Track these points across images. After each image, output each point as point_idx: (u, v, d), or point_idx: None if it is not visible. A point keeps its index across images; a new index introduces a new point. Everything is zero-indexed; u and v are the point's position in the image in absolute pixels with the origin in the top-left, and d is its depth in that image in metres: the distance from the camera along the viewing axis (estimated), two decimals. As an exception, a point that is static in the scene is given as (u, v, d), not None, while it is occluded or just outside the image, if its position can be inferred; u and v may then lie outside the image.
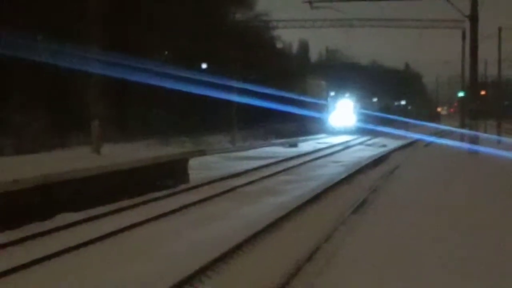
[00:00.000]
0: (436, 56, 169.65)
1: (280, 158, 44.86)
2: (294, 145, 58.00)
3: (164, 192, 26.59)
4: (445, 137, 72.89)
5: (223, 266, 15.41)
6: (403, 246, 15.62)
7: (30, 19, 37.64)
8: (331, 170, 38.17)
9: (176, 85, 48.61)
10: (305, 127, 76.76)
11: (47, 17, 38.71)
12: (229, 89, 55.84)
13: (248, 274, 14.76)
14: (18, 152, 31.27)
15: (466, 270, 13.08)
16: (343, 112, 66.13)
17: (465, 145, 41.32)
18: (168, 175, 28.74)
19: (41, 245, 16.91)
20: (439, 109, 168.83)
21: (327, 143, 63.17)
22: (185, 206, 23.57)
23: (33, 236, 17.78)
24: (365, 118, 70.92)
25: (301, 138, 67.07)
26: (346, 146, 58.62)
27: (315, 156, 48.81)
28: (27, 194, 19.40)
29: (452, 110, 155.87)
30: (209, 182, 30.35)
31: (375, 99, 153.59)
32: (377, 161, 42.25)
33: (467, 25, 39.16)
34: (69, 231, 18.94)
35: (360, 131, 67.04)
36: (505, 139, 56.76)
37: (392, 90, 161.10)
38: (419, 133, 76.76)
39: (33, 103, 33.94)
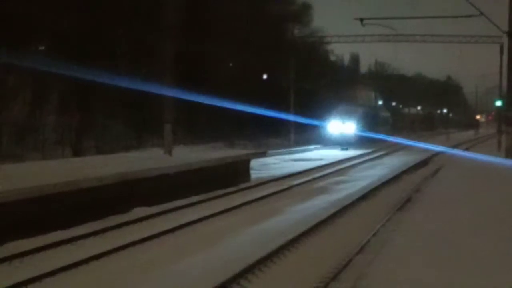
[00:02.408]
0: (476, 68, 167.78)
1: (331, 160, 44.25)
2: (345, 148, 57.84)
3: (229, 190, 26.73)
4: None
5: (287, 253, 15.70)
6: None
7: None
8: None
9: (241, 93, 49.22)
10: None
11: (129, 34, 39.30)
12: (287, 97, 56.78)
13: (310, 259, 15.14)
14: (100, 153, 31.65)
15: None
16: (342, 121, 58.57)
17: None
18: (232, 174, 28.89)
19: (120, 235, 17.20)
20: (478, 117, 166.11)
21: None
22: (248, 202, 23.66)
23: (113, 227, 18.06)
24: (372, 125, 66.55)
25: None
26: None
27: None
28: (108, 190, 19.72)
29: (490, 118, 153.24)
30: (269, 181, 30.49)
31: (419, 107, 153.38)
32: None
33: (505, 40, 38.44)
34: (144, 223, 19.22)
35: (364, 142, 58.96)
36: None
37: (435, 99, 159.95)
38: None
39: (113, 111, 34.35)
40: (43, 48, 37.87)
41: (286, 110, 57.77)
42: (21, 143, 31.67)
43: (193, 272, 13.66)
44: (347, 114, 58.42)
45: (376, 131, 65.29)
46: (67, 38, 36.65)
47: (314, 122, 59.08)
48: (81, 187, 18.45)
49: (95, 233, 17.19)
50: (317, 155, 51.23)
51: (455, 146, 68.57)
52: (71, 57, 36.07)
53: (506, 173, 29.20)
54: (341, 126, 57.25)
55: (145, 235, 17.13)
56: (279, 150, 51.59)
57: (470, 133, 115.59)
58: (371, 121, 65.69)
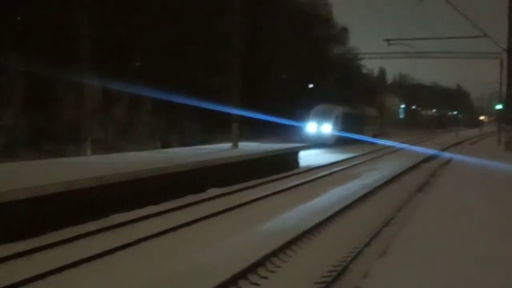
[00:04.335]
0: (481, 77, 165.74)
1: (361, 153, 43.73)
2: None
3: (283, 175, 26.87)
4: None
5: (334, 221, 16.17)
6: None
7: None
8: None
9: (294, 97, 49.97)
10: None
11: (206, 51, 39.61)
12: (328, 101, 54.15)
13: (353, 225, 15.73)
14: (182, 145, 31.94)
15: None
16: (320, 122, 48.44)
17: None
18: (285, 163, 29.02)
19: (199, 209, 17.38)
20: (482, 118, 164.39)
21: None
22: (297, 185, 23.85)
23: (193, 203, 18.35)
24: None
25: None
26: None
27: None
28: (189, 174, 20.02)
29: (491, 118, 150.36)
30: (313, 169, 30.51)
31: (434, 110, 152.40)
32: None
33: (504, 56, 37.96)
34: (217, 200, 19.38)
35: (341, 142, 47.65)
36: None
37: (447, 103, 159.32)
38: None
39: (193, 113, 34.72)
40: (138, 63, 38.46)
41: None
42: (122, 137, 32.20)
43: (256, 237, 13.93)
44: (324, 115, 48.68)
45: (360, 132, 53.72)
46: (156, 57, 37.18)
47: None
48: (168, 172, 18.81)
49: (180, 207, 17.50)
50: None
51: (461, 142, 68.01)
52: (160, 71, 36.75)
53: (505, 160, 28.84)
54: (318, 126, 48.17)
55: (220, 209, 17.40)
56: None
57: (475, 131, 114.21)
58: (353, 121, 52.76)
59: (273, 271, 11.17)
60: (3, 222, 12.37)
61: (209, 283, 9.58)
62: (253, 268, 10.87)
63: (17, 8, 27.93)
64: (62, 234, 13.21)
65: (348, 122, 50.06)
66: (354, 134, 47.63)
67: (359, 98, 71.13)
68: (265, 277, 10.80)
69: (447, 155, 43.17)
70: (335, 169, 30.83)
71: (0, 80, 26.65)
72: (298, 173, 28.54)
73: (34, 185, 13.31)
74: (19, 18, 28.91)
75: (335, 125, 48.04)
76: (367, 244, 13.18)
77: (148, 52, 37.28)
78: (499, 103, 57.36)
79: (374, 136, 59.70)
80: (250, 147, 28.63)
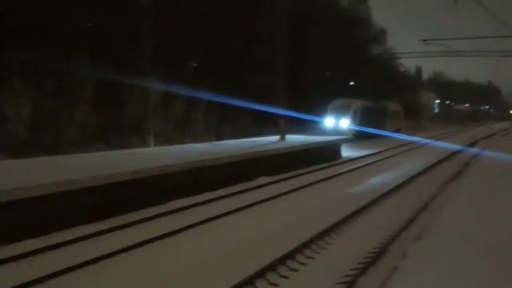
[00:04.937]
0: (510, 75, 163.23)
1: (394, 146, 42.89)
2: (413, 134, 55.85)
3: (326, 164, 26.85)
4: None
5: (378, 204, 16.10)
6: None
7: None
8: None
9: (336, 94, 49.18)
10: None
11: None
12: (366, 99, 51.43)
13: (394, 207, 15.56)
14: (233, 138, 32.12)
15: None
16: (338, 116, 43.12)
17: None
18: (329, 154, 29.01)
19: (251, 195, 17.46)
20: (511, 112, 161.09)
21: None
22: (339, 174, 23.87)
23: (245, 190, 18.46)
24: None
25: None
26: None
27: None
28: (240, 164, 20.21)
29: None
30: (355, 159, 30.38)
31: (467, 104, 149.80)
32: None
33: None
34: (267, 188, 19.40)
35: (360, 137, 40.90)
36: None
37: (479, 98, 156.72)
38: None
39: (244, 109, 34.80)
40: (195, 64, 38.81)
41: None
42: (181, 131, 32.56)
43: (306, 215, 13.93)
44: (342, 109, 43.27)
45: (381, 127, 48.04)
46: (209, 60, 37.52)
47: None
48: (222, 162, 19.04)
49: (233, 194, 17.61)
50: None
51: (493, 134, 66.97)
52: (212, 72, 37.14)
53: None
54: (335, 121, 42.97)
55: (270, 195, 17.46)
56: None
57: (506, 124, 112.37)
58: (373, 116, 46.79)
59: (322, 249, 11.32)
60: (79, 206, 12.82)
61: (263, 253, 9.86)
62: (295, 252, 10.84)
63: (88, 16, 28.47)
64: (128, 217, 13.53)
65: (367, 117, 44.31)
66: (374, 129, 41.92)
67: (397, 95, 70.58)
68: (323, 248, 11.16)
69: (480, 145, 42.78)
70: (374, 159, 30.63)
71: (73, 81, 27.23)
72: (342, 163, 28.47)
73: (104, 174, 13.74)
74: (90, 25, 29.45)
75: (353, 119, 42.80)
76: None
77: (202, 56, 37.66)
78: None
79: (397, 131, 53.70)
80: (296, 139, 28.66)
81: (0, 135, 23.06)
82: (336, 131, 40.12)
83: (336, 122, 42.65)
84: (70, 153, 21.15)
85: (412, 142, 44.10)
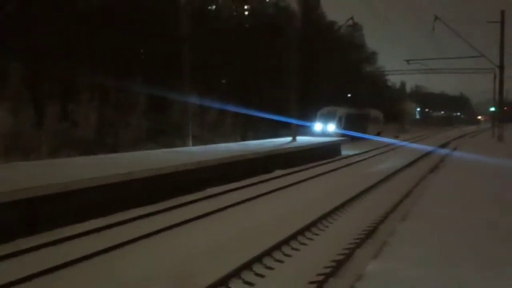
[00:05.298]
0: (479, 87, 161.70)
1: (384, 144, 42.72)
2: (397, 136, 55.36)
3: (328, 160, 26.73)
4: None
5: (370, 192, 15.64)
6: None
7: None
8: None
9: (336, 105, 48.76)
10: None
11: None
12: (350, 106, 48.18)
13: (385, 192, 15.05)
14: (254, 139, 32.19)
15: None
16: (325, 122, 39.92)
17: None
18: (331, 151, 28.94)
19: (269, 184, 17.48)
20: (479, 117, 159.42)
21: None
22: (340, 167, 23.75)
23: (264, 180, 18.46)
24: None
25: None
26: None
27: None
28: (261, 159, 20.23)
29: (486, 118, 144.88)
30: (352, 155, 30.13)
31: (442, 112, 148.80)
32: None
33: (497, 71, 36.80)
34: (282, 178, 19.34)
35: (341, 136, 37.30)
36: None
37: (452, 108, 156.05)
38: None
39: (263, 115, 34.91)
40: (224, 81, 39.02)
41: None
42: (213, 133, 32.77)
43: (314, 198, 13.87)
44: (328, 116, 40.31)
45: (364, 131, 44.96)
46: (236, 77, 37.72)
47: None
48: (246, 158, 19.07)
49: (255, 183, 17.63)
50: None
51: (464, 135, 66.37)
52: (238, 86, 37.30)
53: (497, 147, 27.98)
54: (323, 126, 39.89)
55: (288, 183, 17.56)
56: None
57: (474, 127, 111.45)
58: (357, 121, 43.76)
59: (330, 223, 11.33)
60: (136, 193, 12.99)
61: (272, 231, 9.91)
62: (313, 223, 10.96)
63: (140, 42, 28.79)
64: (174, 201, 13.61)
65: (351, 122, 41.27)
66: (357, 133, 38.82)
67: (385, 104, 70.22)
68: (331, 223, 10.98)
69: (453, 144, 42.49)
70: (366, 156, 30.50)
71: (129, 95, 27.59)
72: (342, 159, 28.36)
73: (153, 168, 13.89)
74: (142, 51, 29.80)
75: (338, 124, 39.68)
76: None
77: (231, 74, 37.87)
78: (492, 106, 56.01)
79: (378, 134, 50.37)
80: (305, 140, 28.58)
81: (72, 137, 23.43)
82: (324, 134, 38.10)
83: (324, 127, 39.65)
84: (127, 151, 21.45)
85: (395, 143, 43.63)
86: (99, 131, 25.50)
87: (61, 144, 21.75)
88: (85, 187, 11.28)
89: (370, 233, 10.45)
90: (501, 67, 34.39)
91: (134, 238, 9.79)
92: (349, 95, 58.08)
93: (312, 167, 23.51)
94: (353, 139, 39.33)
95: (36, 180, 10.74)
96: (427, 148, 36.67)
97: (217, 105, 33.85)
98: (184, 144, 25.50)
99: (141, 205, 12.81)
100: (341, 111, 41.16)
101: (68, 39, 23.17)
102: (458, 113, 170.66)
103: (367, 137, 44.29)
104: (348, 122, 40.69)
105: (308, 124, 38.85)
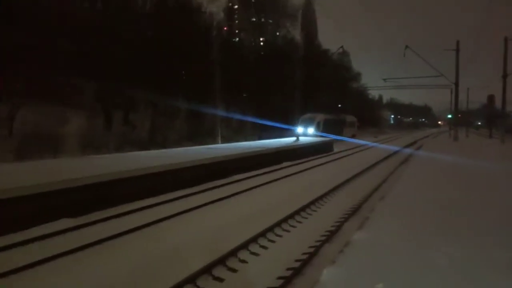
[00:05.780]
0: (439, 98, 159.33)
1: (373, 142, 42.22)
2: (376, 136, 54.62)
3: (323, 155, 26.33)
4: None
5: (355, 180, 15.22)
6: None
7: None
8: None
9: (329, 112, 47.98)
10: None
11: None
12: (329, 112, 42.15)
13: (367, 180, 14.72)
14: (268, 138, 32.04)
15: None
16: (306, 126, 35.43)
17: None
18: (326, 147, 28.54)
19: (280, 172, 17.16)
20: (439, 122, 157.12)
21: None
22: (331, 160, 23.43)
23: (275, 170, 18.15)
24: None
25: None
26: None
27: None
28: (272, 154, 20.01)
29: (444, 123, 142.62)
30: (341, 151, 29.63)
31: (410, 118, 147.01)
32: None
33: (453, 87, 36.08)
34: (289, 168, 19.04)
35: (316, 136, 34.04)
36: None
37: (418, 114, 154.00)
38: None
39: (274, 119, 34.77)
40: (245, 95, 38.91)
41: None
42: (236, 133, 32.72)
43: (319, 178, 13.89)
44: (309, 121, 36.03)
45: (341, 134, 40.41)
46: (254, 92, 37.61)
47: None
48: (262, 153, 18.89)
49: (269, 172, 17.39)
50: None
51: (428, 136, 65.46)
52: (256, 99, 37.19)
53: (453, 145, 27.52)
54: (303, 129, 35.34)
55: (293, 172, 17.42)
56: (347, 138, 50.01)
57: (435, 130, 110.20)
58: (334, 125, 38.73)
59: (325, 203, 11.28)
60: (181, 179, 12.91)
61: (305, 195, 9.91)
62: (320, 197, 10.93)
63: (182, 66, 28.89)
64: (205, 186, 13.47)
65: (328, 126, 36.82)
66: (333, 135, 34.52)
67: (366, 113, 69.75)
68: (328, 201, 10.86)
69: (419, 143, 41.98)
70: (354, 151, 30.14)
71: (173, 105, 27.76)
72: (335, 153, 28.03)
73: (192, 160, 13.88)
74: (183, 72, 29.90)
75: (317, 128, 35.59)
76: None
77: (249, 89, 37.78)
78: (450, 114, 55.28)
79: (352, 136, 45.54)
80: (306, 140, 28.23)
81: (132, 137, 23.63)
82: (305, 135, 34.18)
83: (305, 130, 35.47)
84: (172, 147, 21.51)
85: (374, 143, 42.95)
86: (151, 132, 25.69)
87: (124, 142, 21.96)
88: (140, 174, 11.30)
89: (356, 209, 10.41)
90: (456, 84, 33.74)
91: (178, 213, 9.79)
92: (339, 105, 57.54)
93: (312, 159, 23.27)
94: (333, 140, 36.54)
95: (105, 169, 10.83)
96: (399, 146, 36.25)
97: (239, 112, 33.86)
98: (215, 142, 25.55)
99: (183, 187, 12.79)
100: (320, 116, 36.98)
101: (128, 64, 23.36)
102: (423, 119, 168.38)
103: (342, 138, 40.20)
104: (325, 126, 36.62)
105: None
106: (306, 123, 36.51)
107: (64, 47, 20.01)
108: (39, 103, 19.91)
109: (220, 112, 29.69)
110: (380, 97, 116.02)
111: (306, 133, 35.35)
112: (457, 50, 33.00)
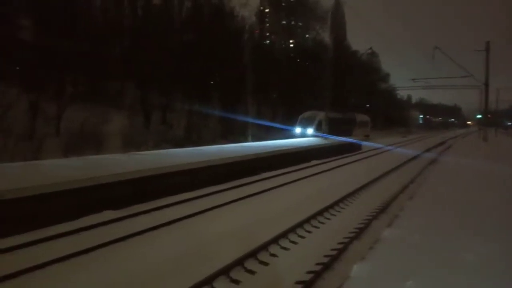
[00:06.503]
0: (469, 98, 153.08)
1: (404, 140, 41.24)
2: (404, 136, 53.09)
3: (351, 154, 26.08)
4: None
5: (386, 176, 14.97)
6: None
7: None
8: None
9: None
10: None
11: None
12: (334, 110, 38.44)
13: (400, 176, 14.51)
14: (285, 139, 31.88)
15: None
16: (305, 126, 29.12)
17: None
18: (354, 146, 28.15)
19: (310, 170, 16.96)
20: (468, 123, 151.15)
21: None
22: (359, 160, 23.05)
23: (304, 168, 18.00)
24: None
25: None
26: None
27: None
28: (302, 152, 19.79)
29: (473, 123, 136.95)
30: (371, 149, 29.17)
31: (440, 118, 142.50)
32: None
33: (483, 87, 34.63)
34: (317, 166, 18.84)
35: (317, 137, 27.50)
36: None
37: (448, 115, 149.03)
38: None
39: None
40: (275, 95, 38.80)
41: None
42: (266, 132, 32.59)
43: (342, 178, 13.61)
44: (308, 120, 29.53)
45: (349, 135, 31.46)
46: (284, 92, 37.46)
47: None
48: (292, 151, 18.78)
49: (298, 169, 17.21)
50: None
51: (456, 136, 63.17)
52: (285, 100, 37.04)
53: (482, 146, 26.40)
54: (302, 129, 29.12)
55: (322, 169, 17.26)
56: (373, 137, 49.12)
57: (464, 130, 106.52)
58: (340, 125, 31.04)
59: (354, 200, 11.12)
60: (215, 175, 12.99)
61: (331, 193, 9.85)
62: (347, 195, 10.80)
63: (216, 69, 29.21)
64: (236, 182, 13.51)
65: (333, 125, 29.51)
66: (340, 136, 28.03)
67: (395, 112, 68.21)
68: (357, 198, 10.75)
69: (448, 143, 40.64)
70: (382, 150, 29.51)
71: (208, 105, 28.05)
72: (363, 152, 27.69)
73: (225, 157, 13.98)
74: (217, 74, 30.21)
75: (318, 128, 28.72)
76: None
77: (279, 89, 37.68)
78: (479, 114, 53.20)
79: (365, 138, 37.22)
80: (334, 139, 27.81)
81: (169, 135, 24.11)
82: (303, 136, 28.68)
83: (303, 130, 29.34)
84: (206, 145, 21.71)
85: (402, 141, 41.79)
86: (187, 131, 26.11)
87: (161, 140, 22.41)
88: (178, 170, 11.49)
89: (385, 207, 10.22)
90: (486, 85, 32.44)
91: (213, 207, 9.91)
92: (367, 105, 56.46)
93: (341, 158, 22.95)
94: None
95: (145, 165, 11.05)
96: (428, 145, 35.21)
97: (269, 112, 33.79)
98: (246, 140, 25.63)
99: (217, 183, 12.89)
100: (321, 115, 29.97)
101: (167, 67, 23.85)
102: (452, 119, 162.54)
103: (350, 141, 31.47)
104: (329, 126, 29.24)
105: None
106: (306, 122, 30.40)
107: (108, 53, 20.67)
108: (84, 104, 20.66)
109: (252, 112, 29.81)
110: (409, 97, 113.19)
111: (305, 133, 29.22)
112: (487, 51, 31.72)
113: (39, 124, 18.24)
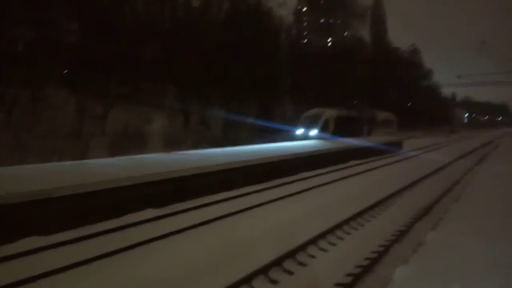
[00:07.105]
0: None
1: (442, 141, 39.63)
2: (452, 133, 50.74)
3: (393, 154, 25.45)
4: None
5: (427, 178, 14.41)
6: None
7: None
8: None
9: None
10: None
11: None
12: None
13: (440, 180, 14.20)
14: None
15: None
16: (308, 127, 24.60)
17: None
18: (395, 147, 27.41)
19: (349, 170, 16.83)
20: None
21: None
22: (400, 160, 22.51)
23: (341, 168, 17.76)
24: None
25: None
26: None
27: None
28: (340, 152, 19.58)
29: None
30: (412, 150, 28.14)
31: (486, 116, 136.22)
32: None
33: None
34: (356, 167, 18.49)
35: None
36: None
37: (495, 113, 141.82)
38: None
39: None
40: (310, 95, 38.30)
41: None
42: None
43: (374, 180, 13.21)
44: (313, 119, 25.02)
45: (356, 135, 26.64)
46: (321, 91, 36.95)
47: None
48: (328, 152, 18.50)
49: (337, 170, 16.93)
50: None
51: (504, 136, 59.83)
52: (323, 98, 36.54)
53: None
54: (304, 130, 24.69)
55: (361, 170, 16.87)
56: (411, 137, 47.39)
57: (511, 129, 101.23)
58: (353, 125, 27.79)
59: (394, 202, 10.87)
60: (249, 175, 12.91)
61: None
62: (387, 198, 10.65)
63: (253, 68, 29.21)
64: (276, 182, 13.42)
65: (345, 125, 25.86)
66: (350, 137, 24.10)
67: (438, 111, 65.48)
68: (396, 200, 10.55)
69: (497, 142, 38.80)
70: (423, 151, 28.50)
71: (245, 105, 28.26)
72: (404, 153, 26.75)
73: (266, 156, 13.97)
74: (254, 74, 30.37)
75: (324, 128, 24.68)
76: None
77: (314, 88, 37.18)
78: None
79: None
80: (372, 139, 27.19)
81: (207, 135, 24.56)
82: (306, 137, 24.54)
83: (306, 131, 24.96)
84: (243, 145, 21.81)
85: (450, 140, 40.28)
86: (224, 130, 26.47)
87: (200, 140, 22.86)
88: (216, 170, 11.53)
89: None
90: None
91: (251, 206, 9.97)
92: (409, 104, 54.67)
93: (381, 159, 22.39)
94: None
95: (185, 164, 11.27)
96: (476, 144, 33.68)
97: (307, 109, 33.46)
98: (283, 140, 25.51)
99: (256, 183, 12.86)
100: (329, 113, 25.54)
101: (205, 69, 24.29)
102: (500, 118, 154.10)
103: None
104: (339, 126, 25.37)
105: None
106: (310, 122, 25.58)
107: (149, 55, 21.37)
108: (127, 104, 21.46)
109: (289, 112, 29.71)
110: (453, 95, 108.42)
111: (307, 135, 24.91)
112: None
113: (86, 124, 19.17)
